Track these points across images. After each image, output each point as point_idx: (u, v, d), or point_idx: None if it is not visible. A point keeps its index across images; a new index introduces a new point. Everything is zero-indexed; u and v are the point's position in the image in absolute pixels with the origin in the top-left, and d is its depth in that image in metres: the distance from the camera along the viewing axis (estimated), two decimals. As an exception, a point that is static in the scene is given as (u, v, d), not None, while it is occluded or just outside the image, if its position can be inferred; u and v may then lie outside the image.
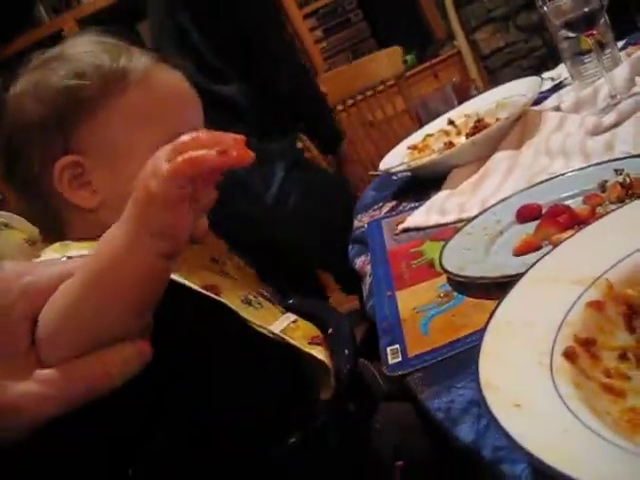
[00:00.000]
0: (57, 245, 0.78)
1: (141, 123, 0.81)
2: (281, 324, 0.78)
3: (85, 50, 0.83)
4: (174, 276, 0.69)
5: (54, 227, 0.83)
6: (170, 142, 0.61)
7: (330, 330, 1.02)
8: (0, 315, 0.56)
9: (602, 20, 1.30)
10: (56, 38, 3.30)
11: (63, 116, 0.79)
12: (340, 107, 2.48)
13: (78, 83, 0.79)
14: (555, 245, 0.61)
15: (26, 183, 0.82)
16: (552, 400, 0.43)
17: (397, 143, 1.56)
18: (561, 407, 0.42)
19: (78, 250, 0.75)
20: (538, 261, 0.59)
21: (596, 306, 0.53)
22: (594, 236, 0.60)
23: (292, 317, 0.82)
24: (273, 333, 0.76)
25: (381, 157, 2.43)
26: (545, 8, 1.28)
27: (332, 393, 0.78)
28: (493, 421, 0.41)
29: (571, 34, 1.40)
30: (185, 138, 0.54)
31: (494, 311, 0.54)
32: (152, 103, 0.82)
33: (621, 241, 0.58)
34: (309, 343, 0.78)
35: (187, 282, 0.71)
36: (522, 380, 0.45)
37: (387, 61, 2.51)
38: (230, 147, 0.51)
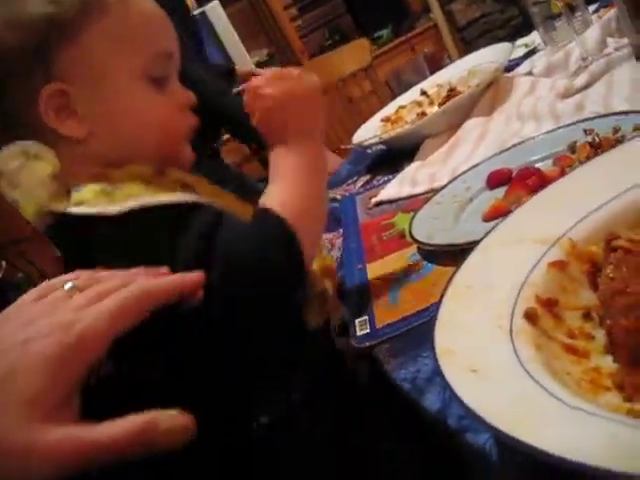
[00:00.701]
0: (97, 188, 0.75)
1: (122, 46, 0.80)
2: None
3: None
4: None
5: None
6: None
7: None
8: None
9: (571, -18, 1.28)
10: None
11: (42, 42, 0.76)
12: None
13: (55, 7, 0.77)
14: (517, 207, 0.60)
15: (10, 119, 0.79)
16: (510, 364, 0.41)
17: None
18: (519, 371, 0.41)
19: (126, 199, 0.73)
20: (499, 223, 0.57)
21: (559, 266, 0.52)
22: (557, 196, 0.58)
23: None
24: None
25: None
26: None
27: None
28: (448, 388, 0.40)
29: (541, -3, 1.38)
30: None
31: (453, 275, 0.52)
32: (131, 26, 0.80)
33: (584, 199, 0.56)
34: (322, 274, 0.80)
35: None
36: (479, 344, 0.44)
37: (354, 54, 2.48)
38: None
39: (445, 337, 0.45)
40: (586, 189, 0.57)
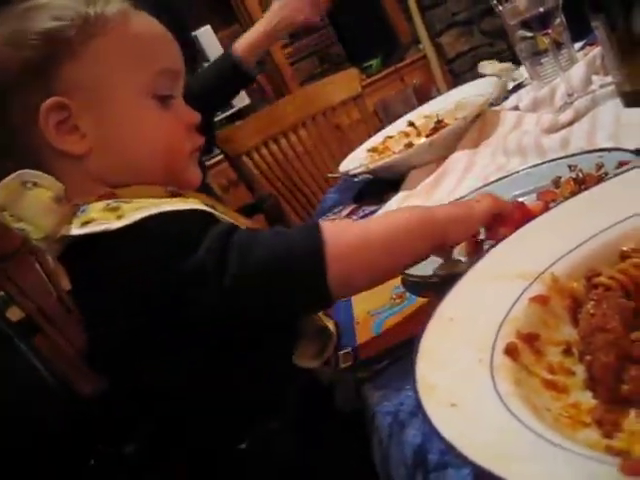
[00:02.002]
0: (101, 205, 0.74)
1: (124, 63, 0.80)
2: None
3: None
4: None
5: None
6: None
7: None
8: None
9: (558, 20, 1.30)
10: None
11: (44, 58, 0.76)
12: (302, 131, 2.46)
13: (58, 24, 0.77)
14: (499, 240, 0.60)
15: (11, 136, 0.79)
16: (489, 398, 0.42)
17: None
18: (498, 406, 0.41)
19: (132, 213, 0.71)
20: (483, 256, 0.57)
21: (540, 300, 0.52)
22: (540, 231, 0.59)
23: None
24: None
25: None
26: (501, 8, 1.28)
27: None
28: (427, 422, 0.40)
29: (528, 34, 1.40)
30: None
31: (436, 307, 0.52)
32: (133, 43, 0.81)
33: (567, 235, 0.56)
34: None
35: None
36: (459, 378, 0.44)
37: (343, 83, 2.50)
38: None
39: (426, 370, 0.45)
40: (569, 225, 0.58)
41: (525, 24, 1.27)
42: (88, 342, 0.77)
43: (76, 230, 0.71)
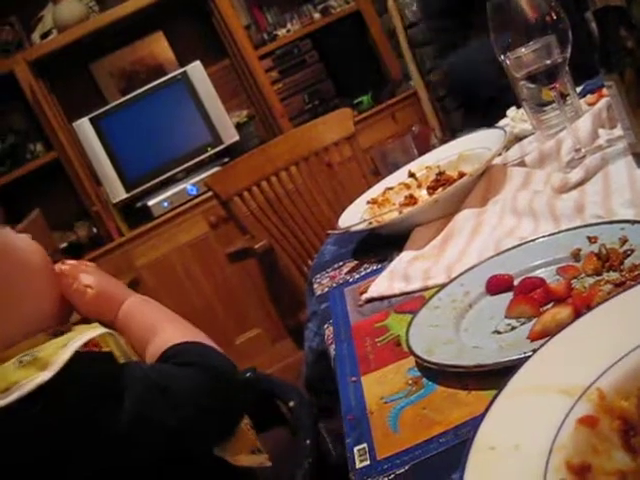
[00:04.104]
0: (10, 368, 0.72)
1: None
2: None
3: None
4: None
5: None
6: None
7: (292, 403, 0.97)
8: None
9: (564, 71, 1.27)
10: (8, 80, 3.17)
11: None
12: (294, 169, 2.43)
13: None
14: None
15: None
16: None
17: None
18: None
19: (55, 357, 0.73)
20: (520, 367, 0.53)
21: (588, 422, 0.47)
22: (581, 336, 0.54)
23: None
24: None
25: (339, 202, 2.41)
26: (505, 59, 1.24)
27: None
28: None
29: (532, 85, 1.37)
30: None
31: (474, 434, 0.47)
32: None
33: (610, 342, 0.52)
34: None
35: None
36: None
37: (336, 123, 2.47)
38: None
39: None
40: (611, 330, 0.53)
41: (531, 77, 1.24)
42: None
43: None
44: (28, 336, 0.79)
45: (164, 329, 0.86)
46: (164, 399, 0.72)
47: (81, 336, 0.75)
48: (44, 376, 0.68)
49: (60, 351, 0.71)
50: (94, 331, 0.77)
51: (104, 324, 0.83)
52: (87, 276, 0.90)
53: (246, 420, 0.86)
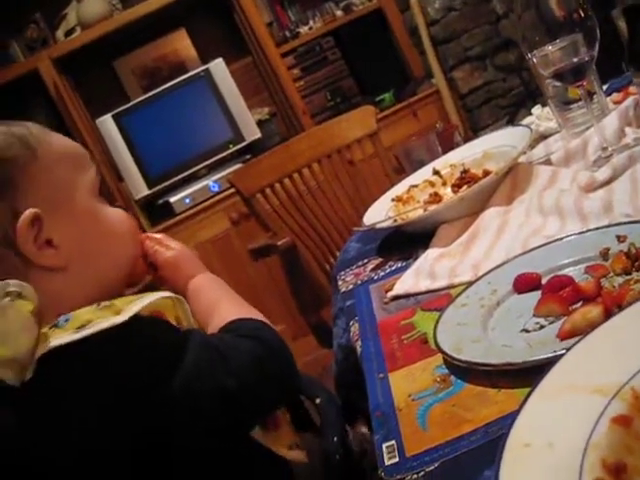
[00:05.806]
0: (91, 308, 0.75)
1: (68, 168, 0.86)
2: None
3: None
4: None
5: None
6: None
7: (318, 400, 0.98)
8: None
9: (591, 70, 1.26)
10: (32, 77, 3.20)
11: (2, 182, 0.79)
12: (316, 166, 2.44)
13: (4, 144, 0.81)
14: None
15: None
16: None
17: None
18: None
19: (129, 306, 0.75)
20: (553, 366, 0.53)
21: (622, 422, 0.47)
22: (613, 335, 0.54)
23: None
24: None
25: (361, 199, 2.41)
26: (532, 57, 1.24)
27: None
28: None
29: (558, 83, 1.37)
30: None
31: (508, 431, 0.47)
32: (66, 152, 0.88)
33: (644, 341, 0.52)
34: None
35: None
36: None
37: (359, 121, 2.47)
38: None
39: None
40: (645, 330, 0.53)
41: (558, 75, 1.23)
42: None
43: (68, 337, 0.70)
44: (104, 293, 0.82)
45: (228, 307, 0.90)
46: (224, 363, 0.75)
47: (154, 294, 0.78)
48: (117, 319, 0.71)
49: (136, 301, 0.75)
50: (165, 293, 0.79)
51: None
52: (171, 241, 0.98)
53: (286, 415, 0.88)
